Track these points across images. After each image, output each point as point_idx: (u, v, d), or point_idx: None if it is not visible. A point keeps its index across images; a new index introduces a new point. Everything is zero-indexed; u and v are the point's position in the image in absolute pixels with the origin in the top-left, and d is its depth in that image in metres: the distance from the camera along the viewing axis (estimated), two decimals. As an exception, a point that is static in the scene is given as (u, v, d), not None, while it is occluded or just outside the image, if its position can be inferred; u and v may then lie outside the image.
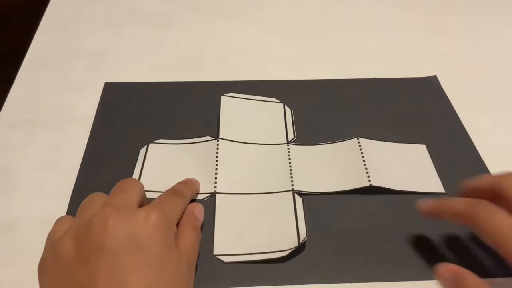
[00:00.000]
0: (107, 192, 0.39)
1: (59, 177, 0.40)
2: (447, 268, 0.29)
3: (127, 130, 0.44)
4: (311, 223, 0.36)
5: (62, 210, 0.37)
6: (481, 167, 0.41)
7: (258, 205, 0.37)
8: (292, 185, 0.39)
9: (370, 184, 0.38)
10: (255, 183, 0.39)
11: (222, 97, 0.46)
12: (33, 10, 0.59)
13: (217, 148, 0.41)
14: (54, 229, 0.30)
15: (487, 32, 0.57)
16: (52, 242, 0.29)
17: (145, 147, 0.42)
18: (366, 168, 0.39)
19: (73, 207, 0.37)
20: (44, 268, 0.28)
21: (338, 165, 0.40)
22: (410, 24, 0.58)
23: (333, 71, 0.51)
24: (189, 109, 0.46)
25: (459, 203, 0.31)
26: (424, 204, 0.34)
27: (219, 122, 0.43)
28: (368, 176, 0.39)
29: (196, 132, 0.43)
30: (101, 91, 0.47)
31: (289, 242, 0.34)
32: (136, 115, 0.45)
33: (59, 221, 0.31)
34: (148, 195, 0.38)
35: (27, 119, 0.45)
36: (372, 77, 0.50)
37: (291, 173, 0.40)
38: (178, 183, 0.37)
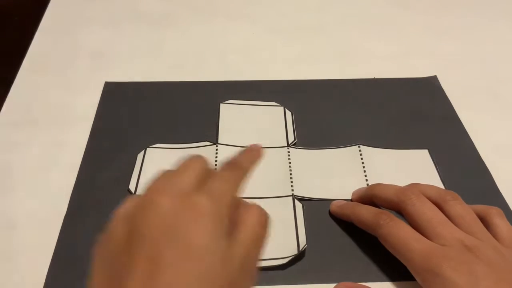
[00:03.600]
0: (108, 190, 0.39)
1: (59, 177, 0.40)
2: (345, 285, 0.32)
3: (127, 129, 0.44)
4: (311, 223, 0.36)
5: (62, 210, 0.37)
6: (481, 167, 0.41)
7: None
8: (292, 190, 0.38)
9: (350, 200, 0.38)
10: (255, 186, 0.38)
11: (221, 104, 0.46)
12: (33, 10, 0.59)
13: (216, 153, 0.41)
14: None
15: (487, 33, 0.57)
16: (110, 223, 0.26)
17: (143, 151, 0.41)
18: (366, 176, 0.39)
19: (73, 207, 0.37)
20: (97, 250, 0.26)
21: (338, 172, 0.40)
22: (410, 24, 0.58)
23: (333, 71, 0.51)
24: (189, 109, 0.46)
25: (364, 212, 0.34)
26: (335, 205, 0.37)
27: (218, 128, 0.43)
28: (368, 185, 0.39)
29: (196, 132, 0.43)
30: (101, 91, 0.47)
31: (288, 250, 0.34)
32: (136, 114, 0.45)
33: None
34: None
35: (27, 119, 0.45)
36: (372, 77, 0.50)
37: (291, 178, 0.39)
38: (241, 152, 0.31)
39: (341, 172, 0.40)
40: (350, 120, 0.45)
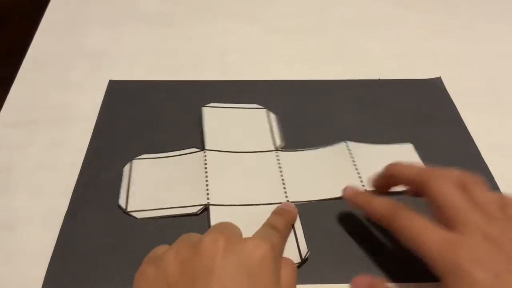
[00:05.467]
0: (110, 190, 0.39)
1: (59, 177, 0.40)
2: (362, 279, 0.31)
3: (130, 128, 0.44)
4: (309, 224, 0.36)
5: (62, 210, 0.37)
6: (484, 170, 0.41)
7: (255, 218, 0.35)
8: (286, 196, 0.38)
9: (365, 190, 0.38)
10: (248, 193, 0.38)
11: (203, 108, 0.45)
12: (33, 10, 0.59)
13: (205, 160, 0.40)
14: (154, 251, 0.29)
15: (492, 33, 0.57)
16: (154, 257, 0.28)
17: (129, 164, 0.40)
18: (358, 173, 0.39)
19: (74, 206, 0.37)
20: (144, 282, 0.27)
21: (330, 171, 0.40)
22: (411, 24, 0.58)
23: (333, 72, 0.51)
24: (191, 108, 0.46)
25: (378, 205, 0.33)
26: (349, 191, 0.36)
27: (204, 133, 0.42)
28: (362, 181, 0.39)
29: (197, 131, 0.43)
30: (101, 91, 0.47)
31: (291, 258, 0.34)
32: (140, 113, 0.45)
33: (158, 247, 0.30)
34: (138, 215, 0.37)
35: (27, 119, 0.45)
36: (377, 78, 0.50)
37: (283, 183, 0.39)
38: (275, 213, 0.35)
39: (333, 171, 0.40)
40: (351, 121, 0.45)
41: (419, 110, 0.46)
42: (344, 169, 0.40)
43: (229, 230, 0.29)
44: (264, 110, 0.46)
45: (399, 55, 0.53)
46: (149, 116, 0.45)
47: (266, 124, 0.44)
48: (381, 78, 0.50)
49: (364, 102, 0.47)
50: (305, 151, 0.42)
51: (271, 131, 0.43)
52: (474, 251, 0.27)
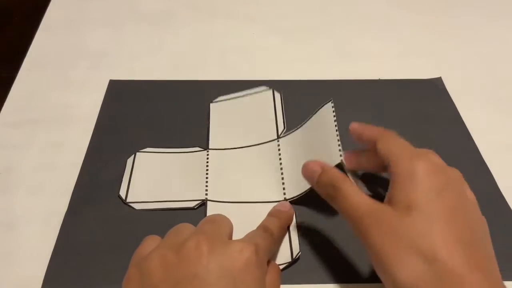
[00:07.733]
0: (108, 194, 0.39)
1: (59, 177, 0.40)
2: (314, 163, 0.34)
3: (131, 128, 0.44)
4: (309, 224, 0.36)
5: (62, 210, 0.37)
6: (484, 170, 0.41)
7: (251, 216, 0.35)
8: (284, 193, 0.38)
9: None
10: (246, 191, 0.38)
11: (211, 104, 0.46)
12: (33, 10, 0.59)
13: (207, 158, 0.41)
14: (141, 247, 0.29)
15: (492, 33, 0.57)
16: (138, 260, 0.28)
17: (133, 156, 0.41)
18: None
19: (74, 206, 0.37)
20: (129, 287, 0.27)
21: (322, 147, 0.38)
22: (412, 24, 0.58)
23: (334, 72, 0.51)
24: (191, 107, 0.46)
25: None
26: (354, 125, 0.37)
27: (209, 133, 0.43)
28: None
29: (197, 130, 0.43)
30: (101, 91, 0.47)
31: (282, 257, 0.34)
32: (140, 112, 0.45)
33: (146, 240, 0.30)
34: (137, 206, 0.37)
35: (27, 119, 0.45)
36: (377, 78, 0.50)
37: (282, 178, 0.39)
38: (270, 215, 0.35)
39: (324, 146, 0.38)
40: (351, 121, 0.45)
41: (419, 110, 0.46)
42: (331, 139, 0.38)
43: (215, 231, 0.29)
44: (270, 91, 0.46)
45: (399, 55, 0.53)
46: (149, 116, 0.45)
47: (271, 109, 0.44)
48: (381, 78, 0.50)
49: (364, 102, 0.47)
50: (300, 130, 0.40)
51: (275, 116, 0.43)
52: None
